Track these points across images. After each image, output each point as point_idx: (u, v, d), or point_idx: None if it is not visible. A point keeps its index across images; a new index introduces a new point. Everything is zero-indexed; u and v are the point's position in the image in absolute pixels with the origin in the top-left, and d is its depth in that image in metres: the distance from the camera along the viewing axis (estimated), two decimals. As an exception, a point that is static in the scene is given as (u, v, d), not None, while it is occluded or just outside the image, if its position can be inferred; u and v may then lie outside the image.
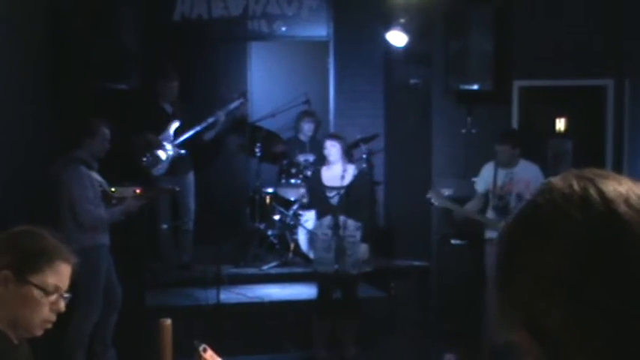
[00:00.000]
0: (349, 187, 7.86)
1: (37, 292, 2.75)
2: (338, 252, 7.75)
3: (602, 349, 1.06)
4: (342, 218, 7.78)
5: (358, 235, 7.87)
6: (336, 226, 7.77)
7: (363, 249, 7.97)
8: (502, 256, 1.18)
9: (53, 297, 2.78)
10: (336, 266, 7.76)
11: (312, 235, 8.00)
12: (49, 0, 8.84)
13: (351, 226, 7.83)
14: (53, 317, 2.81)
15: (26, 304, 2.75)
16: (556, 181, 1.16)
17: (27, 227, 2.88)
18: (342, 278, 7.84)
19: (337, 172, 7.89)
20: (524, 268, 1.12)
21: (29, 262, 2.75)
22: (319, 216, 8.02)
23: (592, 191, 1.11)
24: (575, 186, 1.13)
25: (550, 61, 9.32)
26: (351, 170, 7.98)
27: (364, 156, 10.01)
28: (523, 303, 1.12)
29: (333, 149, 7.86)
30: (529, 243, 1.12)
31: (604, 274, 1.06)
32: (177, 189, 8.78)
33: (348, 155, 8.14)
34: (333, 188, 7.89)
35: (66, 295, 2.85)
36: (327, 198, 7.87)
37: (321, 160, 8.40)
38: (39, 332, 2.82)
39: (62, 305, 2.82)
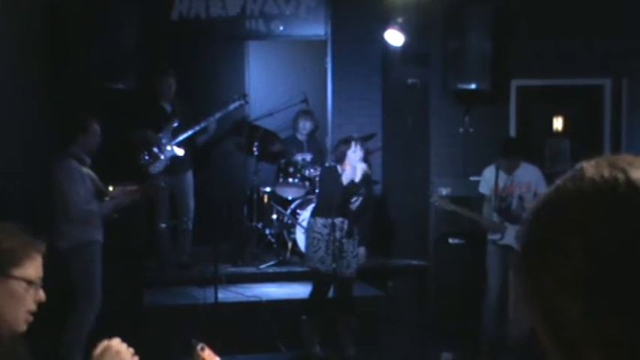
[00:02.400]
0: (364, 195, 7.96)
1: (22, 286, 2.76)
2: (338, 252, 7.78)
3: (621, 346, 1.03)
4: (342, 219, 7.85)
5: (358, 237, 7.92)
6: (350, 231, 7.85)
7: (362, 252, 8.09)
8: (527, 238, 1.14)
9: (34, 288, 2.80)
10: (334, 265, 7.78)
11: (313, 234, 7.97)
12: (47, -1, 8.85)
13: (354, 229, 7.90)
14: (35, 308, 2.83)
15: (13, 298, 2.76)
16: (588, 167, 1.11)
17: None
18: (339, 277, 7.86)
19: (353, 177, 7.94)
20: (547, 255, 1.09)
21: (9, 258, 2.76)
22: (323, 214, 7.97)
23: (621, 182, 1.06)
24: (606, 175, 1.08)
25: (547, 60, 9.34)
26: (360, 176, 8.03)
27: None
28: (543, 290, 1.09)
29: (360, 153, 7.93)
30: (554, 230, 1.09)
31: (628, 269, 1.02)
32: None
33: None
34: (354, 194, 7.93)
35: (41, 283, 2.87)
36: (348, 202, 7.89)
37: (320, 159, 8.42)
38: (23, 327, 2.82)
39: (42, 294, 2.84)
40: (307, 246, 8.02)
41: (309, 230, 8.02)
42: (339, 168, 7.98)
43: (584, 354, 1.06)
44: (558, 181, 1.13)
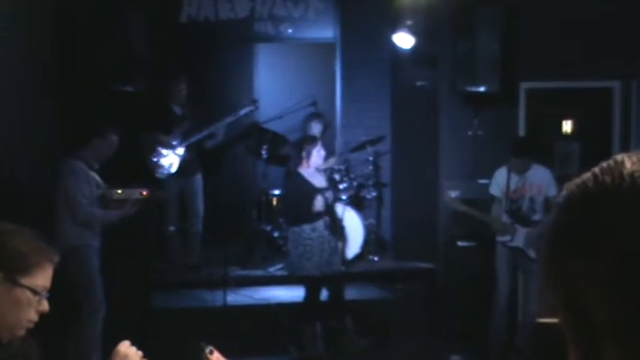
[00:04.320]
0: (332, 189, 8.04)
1: (27, 295, 2.74)
2: (333, 252, 7.84)
3: None
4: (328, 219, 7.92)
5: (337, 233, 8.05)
6: (335, 227, 7.88)
7: (341, 246, 8.36)
8: (557, 226, 1.09)
9: (39, 298, 2.78)
10: (335, 266, 7.86)
11: (305, 241, 7.93)
12: (56, 1, 8.86)
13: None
14: (37, 317, 2.81)
15: (16, 305, 2.74)
16: (628, 161, 1.05)
17: (9, 226, 2.82)
18: (335, 276, 7.92)
19: (318, 175, 8.00)
20: (577, 248, 1.04)
21: (20, 264, 2.73)
22: (309, 219, 7.96)
23: None
24: None
25: (557, 63, 9.31)
26: (323, 173, 8.15)
27: (371, 158, 10.02)
28: (570, 283, 1.05)
29: (323, 153, 7.98)
30: (589, 225, 1.04)
31: None
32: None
33: None
34: (325, 189, 7.94)
35: (46, 294, 2.84)
36: (325, 199, 7.90)
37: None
38: (22, 333, 2.81)
39: (46, 305, 2.81)
40: (299, 255, 7.94)
41: (298, 239, 7.96)
42: (302, 172, 7.98)
43: (603, 350, 1.04)
44: (596, 171, 1.08)
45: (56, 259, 2.84)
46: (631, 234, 1.00)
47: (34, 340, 2.94)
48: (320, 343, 8.06)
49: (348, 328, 8.11)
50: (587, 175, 1.09)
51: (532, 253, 7.97)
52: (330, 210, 7.91)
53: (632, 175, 1.03)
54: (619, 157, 1.08)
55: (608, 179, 1.05)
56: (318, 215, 7.92)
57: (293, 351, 8.29)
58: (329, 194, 7.96)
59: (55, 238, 7.01)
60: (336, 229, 7.98)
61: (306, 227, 7.86)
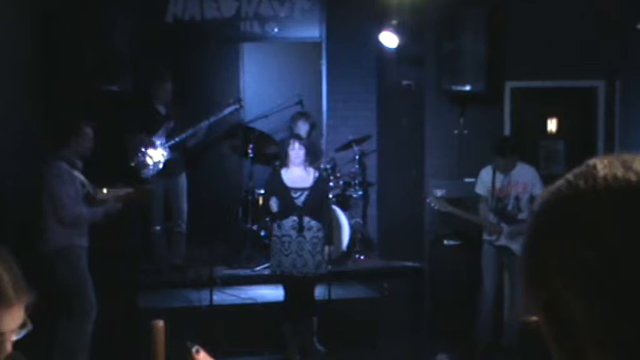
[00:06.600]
0: (312, 189, 7.96)
1: None
2: (302, 253, 7.82)
3: (625, 348, 1.01)
4: (306, 219, 7.87)
5: (320, 235, 7.98)
6: (301, 228, 7.85)
7: (331, 249, 8.25)
8: (534, 231, 1.11)
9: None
10: (304, 268, 7.83)
11: (283, 237, 7.93)
12: (41, 1, 8.84)
13: (315, 226, 7.92)
14: None
15: None
16: (600, 166, 1.08)
17: None
18: (307, 279, 7.90)
19: (298, 174, 7.98)
20: (555, 251, 1.06)
21: None
22: (281, 217, 7.99)
23: (635, 184, 1.04)
24: (620, 176, 1.05)
25: (542, 62, 9.35)
26: (312, 172, 8.12)
27: (357, 157, 10.02)
28: (550, 287, 1.07)
29: (300, 152, 7.96)
30: (565, 228, 1.06)
31: (637, 275, 1.00)
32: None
33: (311, 158, 8.31)
34: (297, 189, 7.94)
35: (24, 330, 2.48)
36: (292, 199, 7.91)
37: (316, 160, 8.49)
38: None
39: (8, 347, 2.45)
40: (277, 251, 7.96)
41: (276, 234, 8.00)
42: (282, 170, 8.04)
43: (586, 353, 1.05)
44: (568, 177, 1.11)
45: (26, 297, 2.46)
46: (606, 234, 1.02)
47: (20, 353, 2.82)
48: (296, 344, 8.06)
49: (312, 332, 8.15)
50: (561, 182, 1.11)
51: (518, 252, 7.98)
52: (299, 211, 7.90)
53: (605, 177, 1.06)
54: (591, 162, 1.11)
55: (581, 183, 1.08)
56: (288, 214, 7.92)
57: (265, 353, 8.30)
58: (298, 194, 7.95)
59: (42, 239, 7.00)
60: (304, 230, 7.95)
61: (286, 223, 7.90)
